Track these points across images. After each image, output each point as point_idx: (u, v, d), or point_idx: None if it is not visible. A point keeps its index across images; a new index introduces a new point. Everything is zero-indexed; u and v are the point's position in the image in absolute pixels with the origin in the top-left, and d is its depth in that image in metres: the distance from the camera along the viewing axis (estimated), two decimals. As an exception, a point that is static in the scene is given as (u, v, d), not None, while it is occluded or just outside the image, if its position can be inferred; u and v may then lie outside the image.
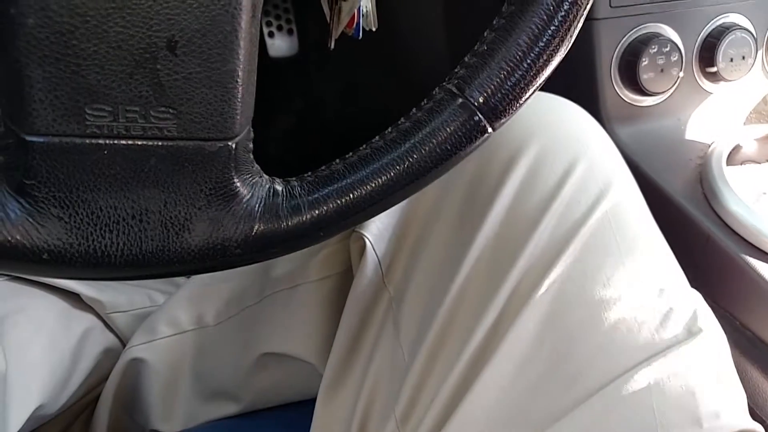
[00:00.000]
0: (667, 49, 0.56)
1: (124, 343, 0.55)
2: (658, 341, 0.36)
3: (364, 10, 0.51)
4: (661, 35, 0.56)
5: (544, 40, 0.31)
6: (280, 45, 1.01)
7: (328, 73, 1.00)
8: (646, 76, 0.56)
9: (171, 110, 0.26)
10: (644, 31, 0.56)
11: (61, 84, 0.25)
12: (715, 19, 0.59)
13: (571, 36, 0.31)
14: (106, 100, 0.26)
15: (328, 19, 0.50)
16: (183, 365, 0.53)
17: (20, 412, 0.45)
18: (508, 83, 0.31)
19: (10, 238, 0.26)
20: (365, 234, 0.44)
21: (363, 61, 0.89)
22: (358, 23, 0.50)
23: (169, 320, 0.53)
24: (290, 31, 1.02)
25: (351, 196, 0.31)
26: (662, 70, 0.56)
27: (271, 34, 1.00)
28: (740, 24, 0.59)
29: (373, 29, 0.52)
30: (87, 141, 0.26)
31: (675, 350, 0.36)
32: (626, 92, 0.57)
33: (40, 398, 0.47)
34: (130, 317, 0.56)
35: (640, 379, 0.35)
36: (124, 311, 0.56)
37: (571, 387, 0.36)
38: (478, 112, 0.31)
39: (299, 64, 1.01)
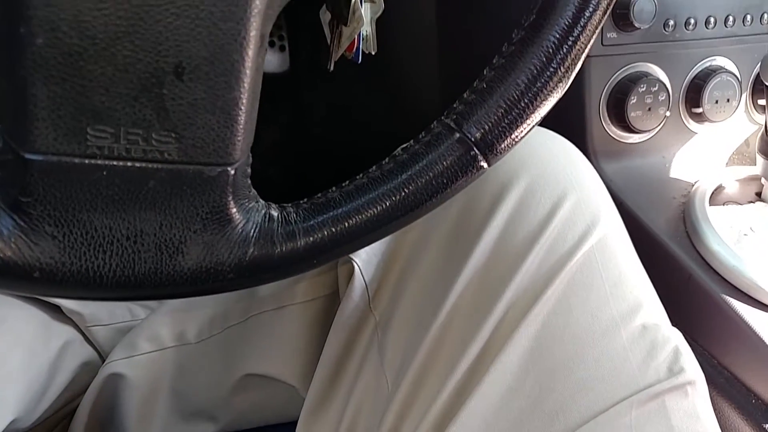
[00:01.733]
0: (656, 88, 0.57)
1: (103, 357, 0.55)
2: (641, 379, 0.37)
3: (365, 34, 0.52)
4: (650, 75, 0.57)
5: (542, 81, 0.31)
6: (271, 60, 1.01)
7: (318, 90, 1.00)
8: (633, 114, 0.57)
9: (173, 134, 0.26)
10: (634, 70, 0.58)
11: (65, 104, 0.25)
12: (702, 62, 0.60)
13: (568, 78, 0.32)
14: (108, 121, 0.26)
15: (328, 41, 0.51)
16: (162, 382, 0.52)
17: (-6, 426, 0.44)
18: (506, 121, 0.32)
19: (1, 255, 0.26)
20: (354, 258, 0.44)
21: (353, 80, 0.90)
22: (358, 48, 0.50)
23: (150, 336, 0.52)
24: (282, 48, 1.02)
25: (346, 224, 0.31)
26: (650, 109, 0.57)
27: (262, 50, 1.00)
28: (726, 67, 0.60)
29: (373, 53, 0.53)
30: (86, 161, 0.26)
31: (656, 388, 0.36)
32: (614, 128, 0.58)
33: (15, 411, 0.46)
34: (110, 331, 0.55)
35: (621, 417, 0.36)
36: (105, 325, 0.55)
37: (552, 422, 0.36)
38: (474, 148, 0.32)
39: (289, 81, 1.01)
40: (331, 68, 0.52)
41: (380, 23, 0.54)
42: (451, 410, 0.37)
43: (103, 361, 0.54)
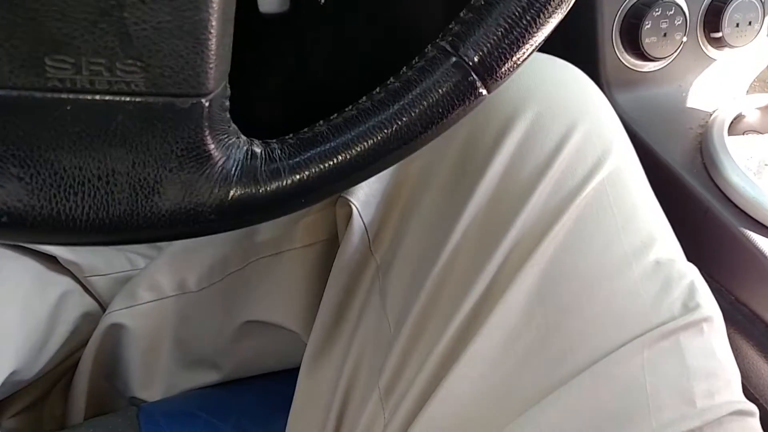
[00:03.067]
0: (671, 12, 0.54)
1: (103, 307, 0.54)
2: (654, 316, 0.35)
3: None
4: (666, -3, 0.54)
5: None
6: (271, 0, 0.98)
7: (321, 31, 0.97)
8: (648, 40, 0.54)
9: (139, 63, 0.24)
10: (648, -8, 0.54)
11: (18, 32, 0.23)
12: (722, -19, 0.56)
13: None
14: (67, 50, 0.24)
15: (318, -29, 0.48)
16: (164, 331, 0.52)
17: (-7, 378, 0.44)
18: (506, 41, 0.29)
19: (-36, 199, 0.25)
20: (352, 200, 0.42)
21: (357, 19, 0.86)
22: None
23: (151, 285, 0.52)
24: (280, -14, 0.99)
25: (335, 160, 0.29)
26: (665, 35, 0.54)
27: (261, -10, 0.97)
28: (748, -13, 0.57)
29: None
30: (48, 95, 0.24)
31: (670, 326, 0.35)
32: (627, 56, 0.55)
33: (14, 363, 0.46)
34: (109, 281, 0.54)
35: (633, 356, 0.34)
36: (103, 275, 0.54)
37: (560, 362, 0.35)
38: (472, 73, 0.29)
39: (291, 21, 0.98)
40: (322, 1, 0.50)
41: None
42: (455, 351, 0.36)
43: (104, 311, 0.53)
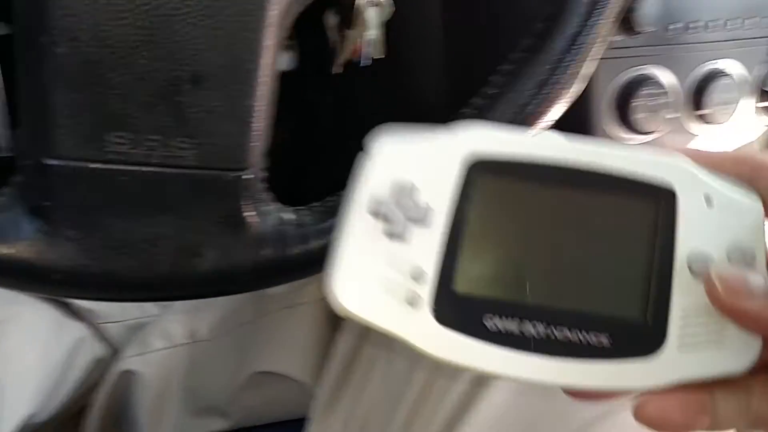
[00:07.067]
0: (660, 90, 0.57)
1: (115, 353, 0.55)
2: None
3: (371, 38, 0.52)
4: (655, 77, 0.58)
5: (549, 85, 0.32)
6: (277, 60, 1.01)
7: (325, 90, 1.01)
8: (637, 116, 0.57)
9: (191, 140, 0.27)
10: (638, 73, 0.58)
11: (84, 111, 0.26)
12: (706, 64, 0.60)
13: (571, 87, 0.33)
14: (127, 128, 0.26)
15: (334, 45, 0.51)
16: (174, 379, 0.53)
17: (11, 421, 0.45)
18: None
19: (22, 258, 0.27)
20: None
21: (361, 81, 0.90)
22: (363, 52, 0.51)
23: (163, 333, 0.53)
24: (289, 47, 1.03)
25: None
26: (654, 111, 0.58)
27: (269, 49, 1.01)
28: (731, 70, 0.61)
29: (380, 57, 0.53)
30: (105, 166, 0.26)
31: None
32: (617, 130, 0.59)
33: (31, 407, 0.47)
34: (121, 327, 0.56)
35: None
36: (116, 321, 0.56)
37: None
38: None
39: (296, 80, 1.01)
40: (337, 72, 0.53)
41: (387, 27, 0.54)
42: (464, 406, 0.38)
43: (115, 356, 0.54)
